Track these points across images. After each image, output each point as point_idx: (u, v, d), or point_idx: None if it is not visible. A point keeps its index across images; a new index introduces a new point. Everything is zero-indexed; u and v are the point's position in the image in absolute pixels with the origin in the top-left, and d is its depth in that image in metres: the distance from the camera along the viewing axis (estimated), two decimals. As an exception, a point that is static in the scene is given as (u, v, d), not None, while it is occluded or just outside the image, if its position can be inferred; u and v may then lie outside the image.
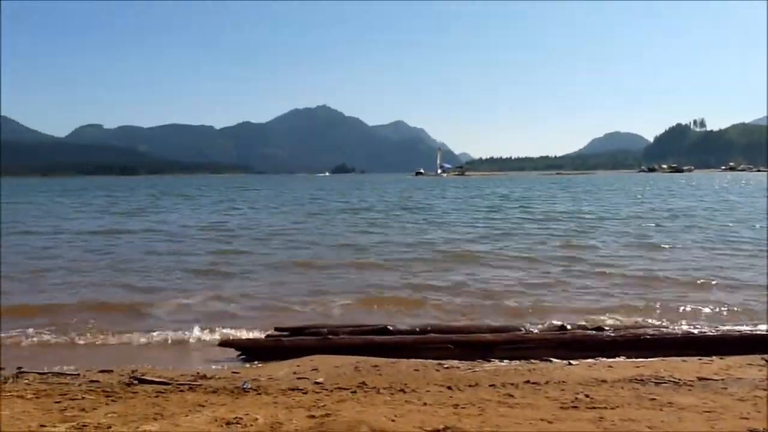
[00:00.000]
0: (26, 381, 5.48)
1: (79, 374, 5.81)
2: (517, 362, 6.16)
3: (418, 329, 7.27)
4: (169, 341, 7.70)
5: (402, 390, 4.77)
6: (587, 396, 4.52)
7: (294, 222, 25.00)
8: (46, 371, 5.92)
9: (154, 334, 7.90)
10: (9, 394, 4.72)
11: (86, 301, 9.81)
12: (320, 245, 16.66)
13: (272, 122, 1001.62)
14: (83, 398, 4.52)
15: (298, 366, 6.07)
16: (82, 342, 7.66)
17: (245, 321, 8.64)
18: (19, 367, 6.21)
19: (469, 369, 5.75)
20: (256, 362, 6.64)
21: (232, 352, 7.04)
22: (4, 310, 8.88)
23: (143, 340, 7.75)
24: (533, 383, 4.98)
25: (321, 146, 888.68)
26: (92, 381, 5.47)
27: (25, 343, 7.50)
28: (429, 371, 5.66)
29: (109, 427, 3.75)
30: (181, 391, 4.82)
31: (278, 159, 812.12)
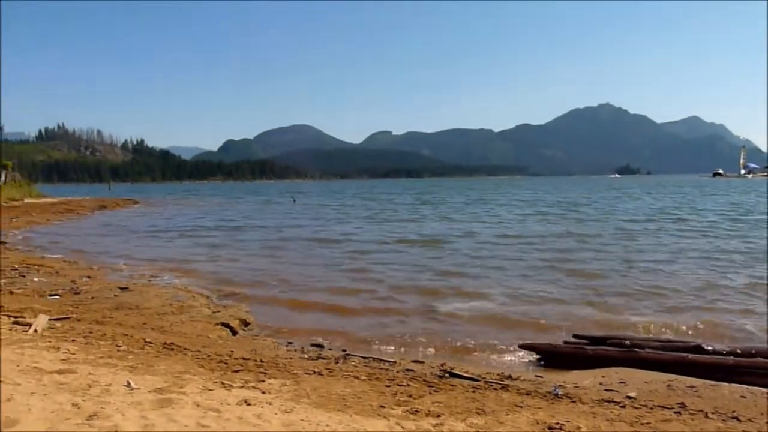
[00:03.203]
0: (353, 363, 6.14)
1: (395, 362, 6.34)
2: None
3: (739, 350, 6.52)
4: (471, 339, 7.98)
5: (734, 417, 4.31)
6: None
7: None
8: (367, 356, 6.57)
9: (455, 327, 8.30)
10: (345, 373, 5.35)
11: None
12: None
13: (551, 123, 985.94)
14: (409, 385, 4.93)
15: (603, 377, 5.87)
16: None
17: (537, 325, 8.56)
18: (344, 350, 7.02)
19: (814, 404, 4.97)
20: (547, 367, 6.62)
21: (529, 355, 7.09)
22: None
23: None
24: None
25: (603, 146, 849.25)
26: (408, 369, 5.93)
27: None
28: (759, 399, 5.03)
29: (439, 416, 4.02)
30: (495, 389, 4.98)
31: (557, 160, 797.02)
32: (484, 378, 5.56)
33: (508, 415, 4.09)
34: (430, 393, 4.70)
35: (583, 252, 15.85)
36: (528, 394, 4.84)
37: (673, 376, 5.84)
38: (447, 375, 5.64)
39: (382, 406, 4.19)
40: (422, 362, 6.42)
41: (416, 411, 4.10)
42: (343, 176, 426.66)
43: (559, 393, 4.91)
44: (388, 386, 4.87)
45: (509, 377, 5.74)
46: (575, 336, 7.50)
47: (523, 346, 7.20)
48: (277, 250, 17.40)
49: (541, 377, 5.92)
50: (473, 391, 4.85)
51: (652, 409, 4.49)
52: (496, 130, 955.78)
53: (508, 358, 7.16)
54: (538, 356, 7.06)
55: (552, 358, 6.99)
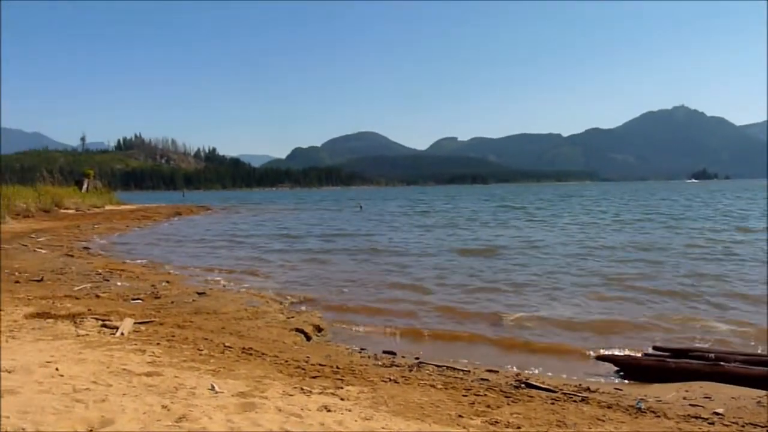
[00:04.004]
0: (427, 371, 6.14)
1: (469, 371, 6.31)
2: None
3: (835, 367, 6.15)
4: (543, 350, 7.85)
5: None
6: None
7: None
8: (440, 364, 6.55)
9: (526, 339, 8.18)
10: (421, 381, 5.35)
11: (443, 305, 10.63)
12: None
13: (622, 127, 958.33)
14: (486, 395, 4.88)
15: (686, 391, 5.67)
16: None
17: (610, 337, 8.33)
18: (417, 358, 7.02)
19: None
20: (626, 379, 6.46)
21: (606, 367, 6.92)
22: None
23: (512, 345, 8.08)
24: None
25: (678, 150, 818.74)
26: (482, 379, 5.88)
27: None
28: None
29: (519, 427, 3.98)
30: (574, 401, 4.88)
31: (628, 165, 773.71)
32: (561, 389, 5.46)
33: (590, 428, 4.00)
34: (508, 404, 4.64)
35: (655, 263, 15.28)
36: (609, 407, 4.71)
37: (762, 392, 5.58)
38: (523, 385, 5.56)
39: (460, 416, 4.17)
40: (496, 372, 6.36)
41: (495, 422, 4.06)
42: (409, 182, 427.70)
43: (642, 407, 4.76)
44: (465, 396, 4.84)
45: (587, 389, 5.61)
46: (655, 348, 7.26)
47: (600, 358, 7.04)
48: (344, 258, 17.56)
49: (621, 390, 5.76)
50: (552, 403, 4.75)
51: (743, 426, 4.31)
52: (565, 134, 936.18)
53: (584, 369, 7.00)
54: (616, 368, 6.88)
55: (631, 370, 6.80)
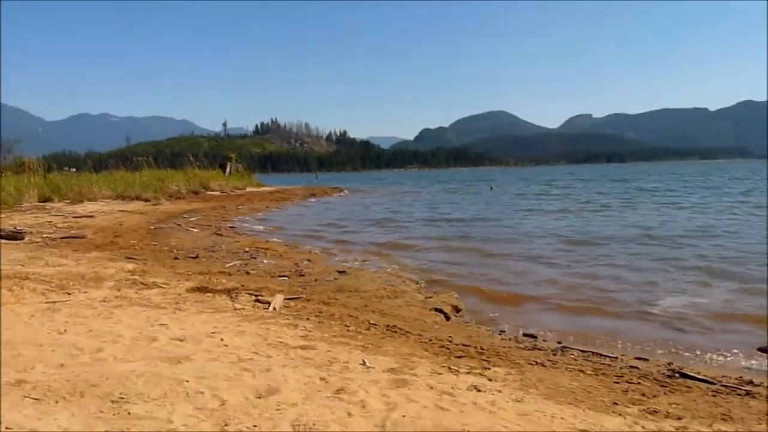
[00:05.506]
0: (572, 356, 6.01)
1: (616, 357, 6.11)
2: None
3: None
4: (694, 338, 7.41)
5: None
6: None
7: None
8: (585, 349, 6.39)
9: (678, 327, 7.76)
10: (568, 366, 5.26)
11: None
12: None
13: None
14: (639, 383, 4.72)
15: None
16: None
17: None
18: (559, 342, 6.89)
19: None
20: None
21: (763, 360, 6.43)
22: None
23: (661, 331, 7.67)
24: None
25: None
26: (632, 366, 5.67)
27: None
28: None
29: (680, 418, 3.80)
30: (738, 395, 4.59)
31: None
32: (720, 381, 5.16)
33: (760, 424, 3.75)
34: (665, 393, 4.45)
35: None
36: (781, 402, 4.39)
37: None
38: (677, 375, 5.30)
39: (615, 403, 4.05)
40: (646, 360, 6.10)
41: (654, 411, 3.91)
42: (539, 162, 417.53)
43: (817, 404, 4.39)
44: (617, 383, 4.70)
45: (750, 383, 5.24)
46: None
47: (763, 350, 6.55)
48: (476, 241, 17.36)
49: (789, 385, 5.34)
50: (713, 395, 4.50)
51: None
52: (713, 108, 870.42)
53: (741, 361, 6.54)
54: (777, 362, 6.38)
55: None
